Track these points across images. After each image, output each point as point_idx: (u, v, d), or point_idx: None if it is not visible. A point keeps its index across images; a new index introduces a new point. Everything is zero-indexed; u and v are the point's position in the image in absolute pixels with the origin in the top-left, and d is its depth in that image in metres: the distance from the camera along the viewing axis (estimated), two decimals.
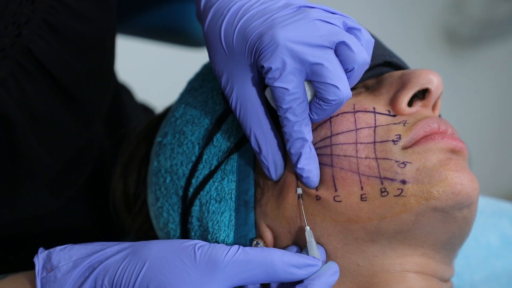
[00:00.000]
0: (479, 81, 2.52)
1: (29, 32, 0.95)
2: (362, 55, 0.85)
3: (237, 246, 0.85)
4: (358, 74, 0.86)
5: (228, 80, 0.88)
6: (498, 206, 1.23)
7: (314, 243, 0.88)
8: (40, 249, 0.89)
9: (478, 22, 2.46)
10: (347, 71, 0.85)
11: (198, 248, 0.85)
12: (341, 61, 0.85)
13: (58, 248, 0.88)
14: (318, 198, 0.89)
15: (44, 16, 0.95)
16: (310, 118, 0.87)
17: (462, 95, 2.41)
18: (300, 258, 0.86)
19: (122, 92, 1.29)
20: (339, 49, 0.85)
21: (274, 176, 0.90)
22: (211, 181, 0.93)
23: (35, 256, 0.88)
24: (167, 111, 1.06)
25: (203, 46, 1.34)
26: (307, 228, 0.89)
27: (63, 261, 0.87)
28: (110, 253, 0.86)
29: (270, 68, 0.84)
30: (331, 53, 0.85)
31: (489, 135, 2.54)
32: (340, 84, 0.84)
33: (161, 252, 0.85)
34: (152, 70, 2.23)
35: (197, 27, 1.31)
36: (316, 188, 0.89)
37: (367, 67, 0.86)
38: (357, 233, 0.88)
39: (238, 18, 0.87)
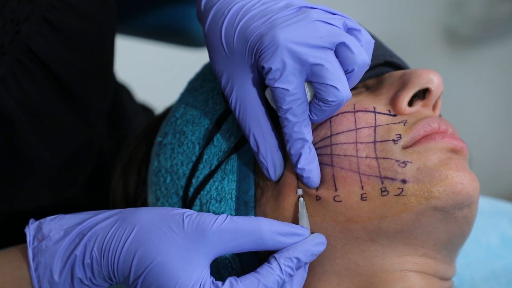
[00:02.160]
0: (479, 81, 2.52)
1: (28, 29, 0.95)
2: (362, 56, 0.85)
3: (225, 215, 0.85)
4: (358, 75, 0.86)
5: (228, 80, 0.88)
6: (498, 206, 1.23)
7: (305, 213, 0.88)
8: (31, 220, 0.89)
9: (479, 22, 2.46)
10: (347, 72, 0.85)
11: (187, 216, 0.85)
12: (341, 62, 0.85)
13: (49, 218, 0.88)
14: (318, 198, 0.89)
15: (43, 14, 0.95)
16: (310, 118, 0.87)
17: (462, 95, 2.41)
18: (287, 227, 0.86)
19: (122, 92, 1.29)
20: (339, 50, 0.85)
21: (273, 176, 0.90)
22: (211, 181, 0.93)
23: (26, 227, 0.88)
24: (167, 111, 1.06)
25: (203, 47, 1.34)
26: (301, 199, 0.89)
27: (54, 230, 0.87)
28: (100, 219, 0.86)
29: (271, 69, 0.84)
30: (331, 54, 0.85)
31: (490, 135, 2.54)
32: (339, 85, 0.84)
33: (150, 219, 0.85)
34: (152, 70, 2.23)
35: (197, 28, 1.31)
36: (316, 188, 0.89)
37: (367, 68, 0.86)
38: (357, 233, 0.88)
39: (239, 18, 0.87)
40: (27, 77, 0.96)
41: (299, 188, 0.89)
